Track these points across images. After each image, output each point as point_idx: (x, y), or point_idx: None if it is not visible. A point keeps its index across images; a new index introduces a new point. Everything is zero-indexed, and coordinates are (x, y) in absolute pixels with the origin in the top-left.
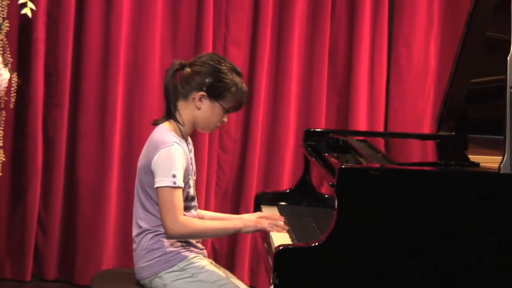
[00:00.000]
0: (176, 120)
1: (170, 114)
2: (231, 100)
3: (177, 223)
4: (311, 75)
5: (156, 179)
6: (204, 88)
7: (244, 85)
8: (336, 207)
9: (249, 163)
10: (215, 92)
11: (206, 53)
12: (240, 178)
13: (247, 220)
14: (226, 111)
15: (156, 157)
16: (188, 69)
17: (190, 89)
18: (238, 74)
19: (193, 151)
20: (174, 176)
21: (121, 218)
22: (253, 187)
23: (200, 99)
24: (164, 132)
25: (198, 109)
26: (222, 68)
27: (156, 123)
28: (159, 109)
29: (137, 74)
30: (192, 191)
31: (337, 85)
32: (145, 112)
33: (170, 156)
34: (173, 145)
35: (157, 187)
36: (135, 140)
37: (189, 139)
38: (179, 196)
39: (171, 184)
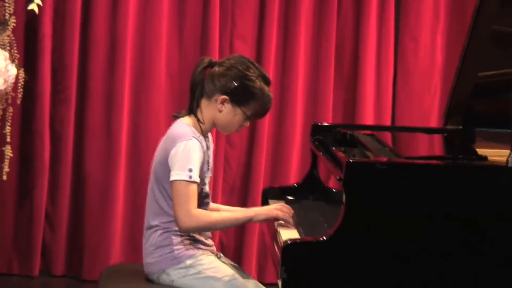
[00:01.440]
0: (196, 117)
1: (192, 109)
2: (255, 108)
3: (190, 217)
4: (318, 70)
5: (172, 172)
6: (228, 92)
7: (270, 94)
8: (343, 201)
9: (256, 158)
10: (238, 97)
11: (236, 55)
12: (247, 173)
13: (258, 209)
14: (248, 118)
15: (173, 150)
16: (216, 68)
17: (214, 89)
18: (266, 82)
19: (212, 148)
20: (190, 170)
21: (128, 214)
22: (260, 182)
23: (222, 102)
24: (184, 126)
25: (220, 111)
26: (250, 74)
27: (176, 116)
28: (166, 105)
29: (143, 70)
30: (207, 188)
31: (344, 80)
32: (152, 108)
33: (188, 150)
34: (191, 139)
35: (172, 180)
36: (141, 136)
37: (210, 136)
38: (194, 190)
39: (187, 178)
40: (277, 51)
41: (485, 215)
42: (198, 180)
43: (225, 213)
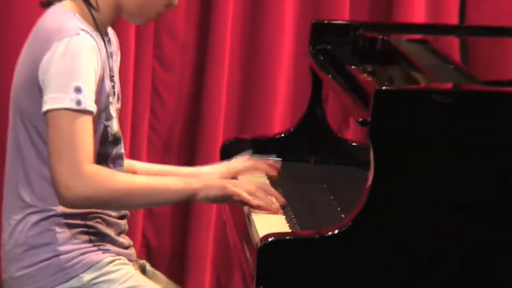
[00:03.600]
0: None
1: None
2: None
3: (80, 178)
4: None
5: (45, 97)
6: None
7: None
8: (371, 162)
9: (211, 86)
10: None
11: None
12: (194, 115)
13: (210, 179)
14: None
15: (46, 57)
16: None
17: None
18: None
19: (118, 58)
20: (78, 90)
21: None
22: (218, 132)
23: None
24: (63, 14)
25: None
26: None
27: (48, 2)
28: None
29: None
30: (115, 126)
31: None
32: None
33: (72, 54)
34: (78, 35)
35: (46, 111)
36: None
37: (112, 34)
38: (86, 128)
39: (73, 106)
40: None
41: None
42: (94, 108)
43: (150, 178)
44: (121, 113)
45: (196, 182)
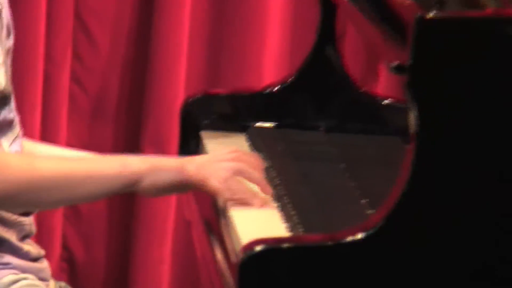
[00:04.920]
0: None
1: None
2: None
3: None
4: None
5: None
6: None
7: None
8: (412, 129)
9: (166, 12)
10: None
11: None
12: (141, 59)
13: (159, 159)
14: None
15: None
16: None
17: None
18: None
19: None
20: None
21: None
22: (177, 85)
23: None
24: None
25: None
26: None
27: None
28: None
29: None
30: (1, 78)
31: None
32: None
33: None
34: None
35: None
36: None
37: None
38: None
39: None
40: None
41: None
42: None
43: (71, 160)
44: (18, 54)
45: (139, 161)
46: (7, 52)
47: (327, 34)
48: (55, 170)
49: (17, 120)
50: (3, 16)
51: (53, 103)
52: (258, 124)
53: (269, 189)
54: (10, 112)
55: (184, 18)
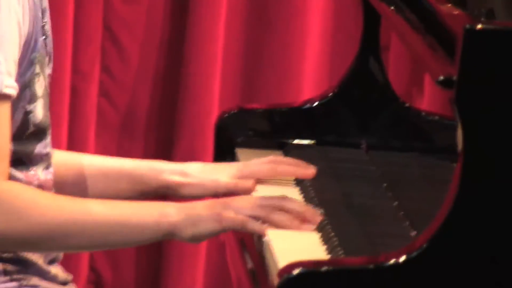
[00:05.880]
0: None
1: None
2: None
3: None
4: None
5: None
6: None
7: None
8: (460, 147)
9: (200, 25)
10: None
11: None
12: (173, 74)
13: (193, 206)
14: None
15: None
16: None
17: None
18: None
19: (47, 8)
20: None
21: None
22: (212, 99)
23: None
24: None
25: None
26: None
27: None
28: None
29: None
30: (39, 111)
31: None
32: None
33: None
34: None
35: None
36: None
37: None
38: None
39: None
40: None
41: None
42: (13, 89)
43: (105, 204)
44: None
45: (175, 211)
46: (48, 77)
47: (370, 45)
48: (87, 217)
49: (51, 154)
50: (47, 43)
51: (80, 118)
52: (296, 141)
53: (318, 214)
54: (46, 147)
55: (219, 29)
